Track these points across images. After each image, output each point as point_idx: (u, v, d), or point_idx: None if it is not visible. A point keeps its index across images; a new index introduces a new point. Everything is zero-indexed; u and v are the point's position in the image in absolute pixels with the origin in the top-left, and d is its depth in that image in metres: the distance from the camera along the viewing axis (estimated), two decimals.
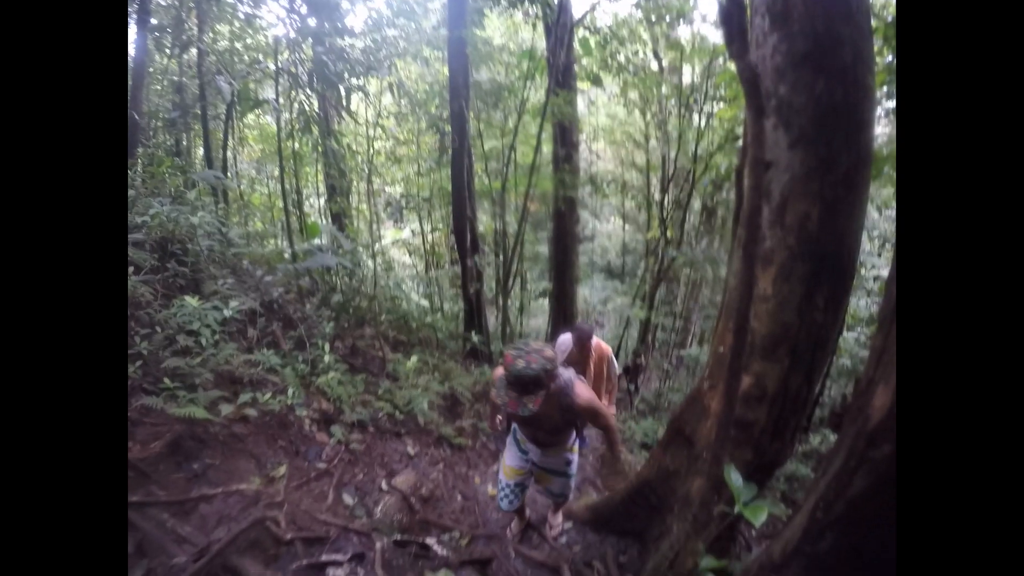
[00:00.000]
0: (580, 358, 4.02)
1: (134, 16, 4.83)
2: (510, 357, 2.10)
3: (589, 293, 14.11)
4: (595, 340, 4.05)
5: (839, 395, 6.34)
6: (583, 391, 2.43)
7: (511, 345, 2.31)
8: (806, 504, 1.50)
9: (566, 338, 4.06)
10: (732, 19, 1.58)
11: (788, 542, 1.50)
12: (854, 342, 5.76)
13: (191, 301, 3.32)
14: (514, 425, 2.85)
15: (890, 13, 4.75)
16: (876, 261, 6.40)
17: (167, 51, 6.62)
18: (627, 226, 15.73)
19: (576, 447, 2.87)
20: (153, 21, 5.96)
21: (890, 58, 3.83)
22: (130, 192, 4.16)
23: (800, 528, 1.46)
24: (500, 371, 2.25)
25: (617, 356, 9.68)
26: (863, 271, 5.99)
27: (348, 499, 3.22)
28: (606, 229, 17.06)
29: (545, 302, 12.11)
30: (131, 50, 4.89)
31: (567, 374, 2.45)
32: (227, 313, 3.51)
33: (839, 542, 1.34)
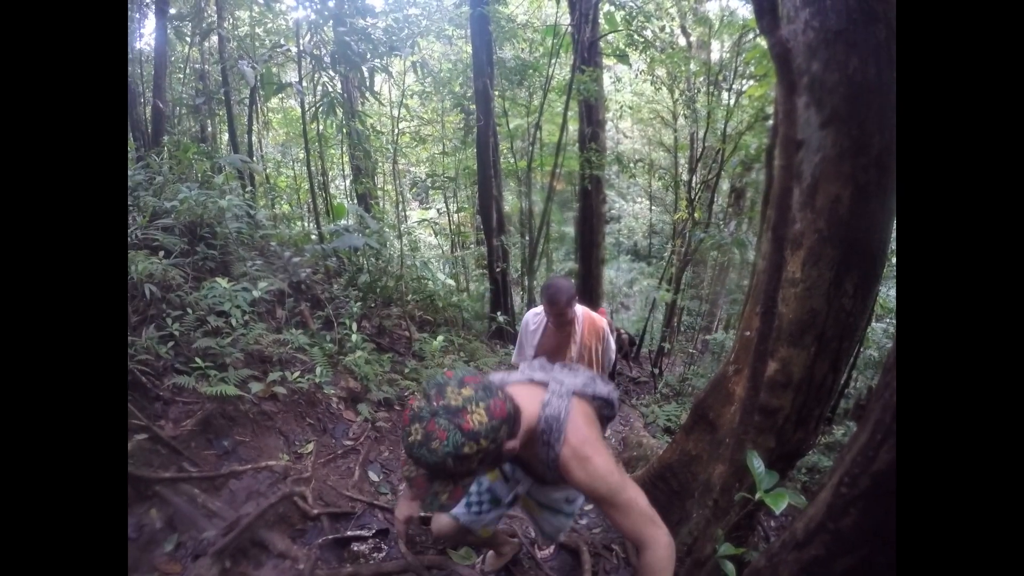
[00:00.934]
0: (557, 335, 2.72)
1: (153, 5, 4.88)
2: (409, 410, 1.21)
3: (615, 275, 14.00)
4: (581, 309, 2.75)
5: (865, 387, 6.16)
6: (579, 439, 1.38)
7: (431, 378, 1.33)
8: (831, 479, 1.47)
9: (538, 310, 2.80)
10: None
11: (812, 519, 1.48)
12: (882, 333, 5.57)
13: (222, 283, 3.39)
14: None
15: None
16: None
17: (187, 39, 6.69)
18: (654, 207, 15.49)
19: None
20: (172, 10, 6.01)
21: None
22: (158, 178, 4.25)
23: (824, 504, 1.44)
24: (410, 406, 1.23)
25: (641, 341, 9.60)
26: (894, 259, 5.77)
27: (374, 476, 3.30)
28: (633, 210, 16.83)
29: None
30: (152, 40, 4.95)
31: (559, 402, 1.41)
32: (256, 294, 3.58)
33: (863, 518, 1.32)
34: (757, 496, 1.71)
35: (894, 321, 5.62)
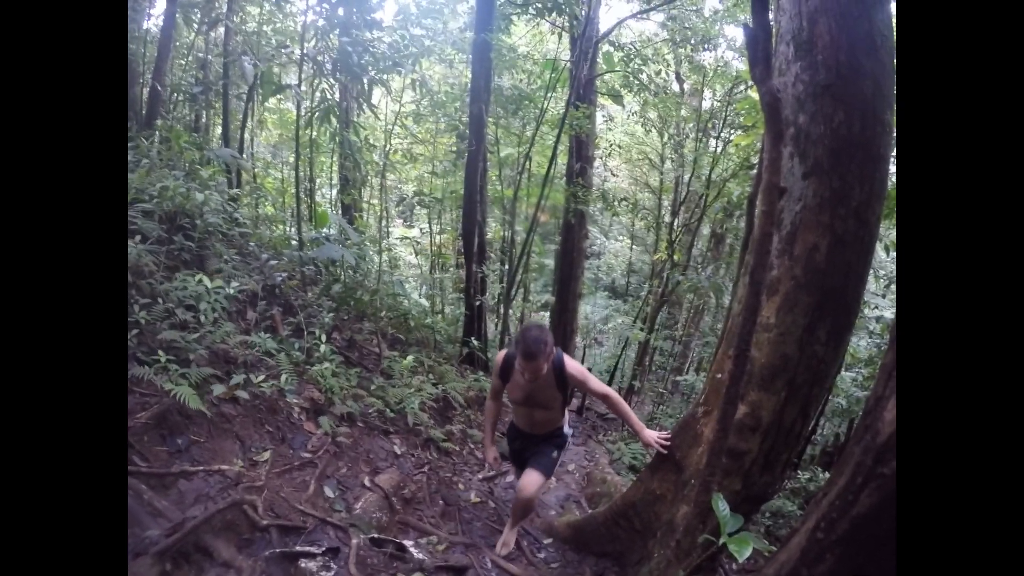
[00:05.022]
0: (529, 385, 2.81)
1: None
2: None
3: (591, 310, 14.05)
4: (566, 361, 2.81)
5: (832, 434, 6.25)
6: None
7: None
8: (806, 523, 1.44)
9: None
10: (757, 43, 1.58)
11: (783, 564, 1.44)
12: (851, 382, 5.67)
13: (204, 280, 3.32)
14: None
15: None
16: (880, 302, 6.30)
17: (195, 26, 6.68)
18: (635, 246, 15.71)
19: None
20: None
21: None
22: (145, 162, 4.17)
23: (798, 549, 1.40)
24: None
25: (612, 378, 9.61)
26: (866, 311, 5.90)
27: (329, 492, 3.19)
28: (614, 247, 17.04)
29: (546, 315, 12.08)
30: (160, 21, 4.91)
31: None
32: (229, 292, 3.50)
33: (840, 565, 1.28)
34: (721, 540, 1.69)
35: (863, 371, 5.72)
